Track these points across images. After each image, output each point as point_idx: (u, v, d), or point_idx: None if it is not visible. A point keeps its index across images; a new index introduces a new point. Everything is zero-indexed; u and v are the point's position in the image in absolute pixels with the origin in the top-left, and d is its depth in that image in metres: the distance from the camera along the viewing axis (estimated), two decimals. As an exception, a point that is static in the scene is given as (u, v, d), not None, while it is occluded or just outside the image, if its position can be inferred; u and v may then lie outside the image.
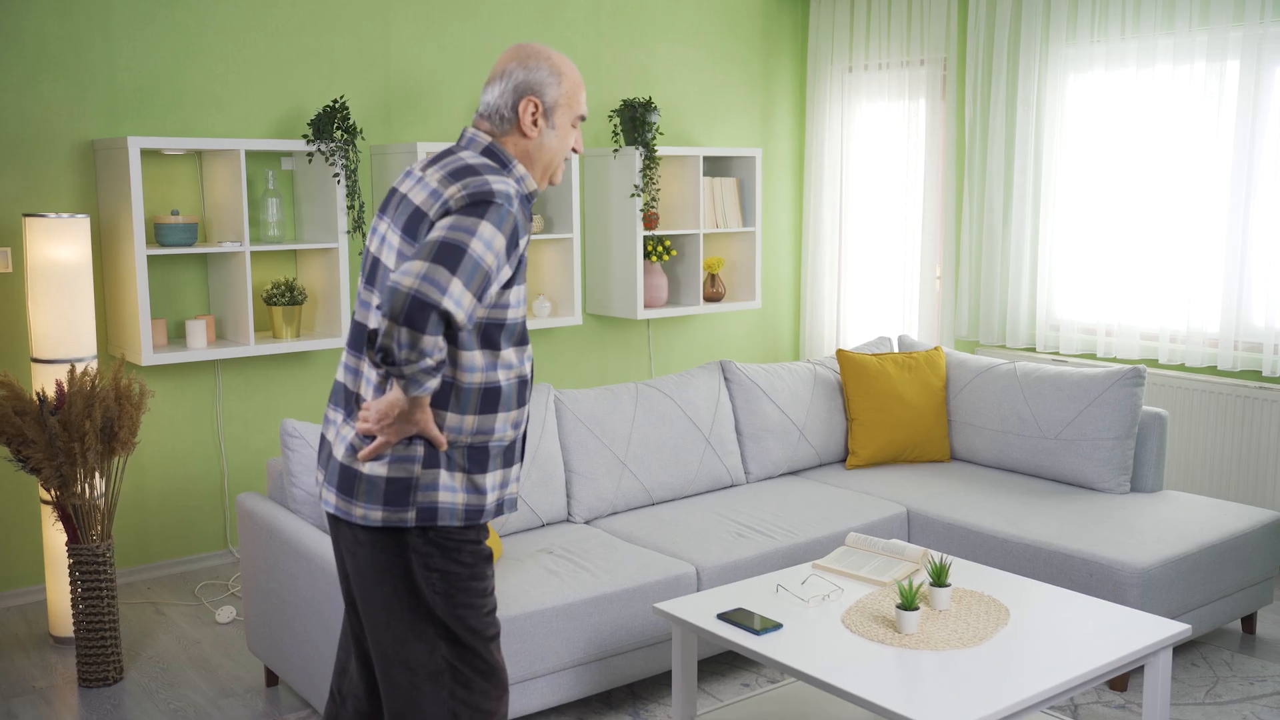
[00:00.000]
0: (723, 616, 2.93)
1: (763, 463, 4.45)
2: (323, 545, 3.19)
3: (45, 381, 3.88)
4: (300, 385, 4.97)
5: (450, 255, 2.01)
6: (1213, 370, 4.96)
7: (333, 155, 4.57)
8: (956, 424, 4.66)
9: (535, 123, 2.27)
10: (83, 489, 3.61)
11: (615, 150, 5.50)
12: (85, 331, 3.94)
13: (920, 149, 5.98)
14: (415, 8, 5.11)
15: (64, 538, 3.98)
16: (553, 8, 5.51)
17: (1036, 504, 4.08)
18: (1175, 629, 2.85)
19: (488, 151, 2.26)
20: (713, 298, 5.97)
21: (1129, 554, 3.59)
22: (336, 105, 4.59)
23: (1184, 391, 4.95)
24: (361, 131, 4.73)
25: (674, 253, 5.76)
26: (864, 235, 6.31)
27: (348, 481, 2.20)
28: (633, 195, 5.45)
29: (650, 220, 5.61)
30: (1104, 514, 3.95)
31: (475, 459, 2.21)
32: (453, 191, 2.13)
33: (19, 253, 4.27)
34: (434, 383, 2.07)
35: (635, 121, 5.44)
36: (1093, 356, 5.36)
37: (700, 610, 2.99)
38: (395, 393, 2.12)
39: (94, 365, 3.97)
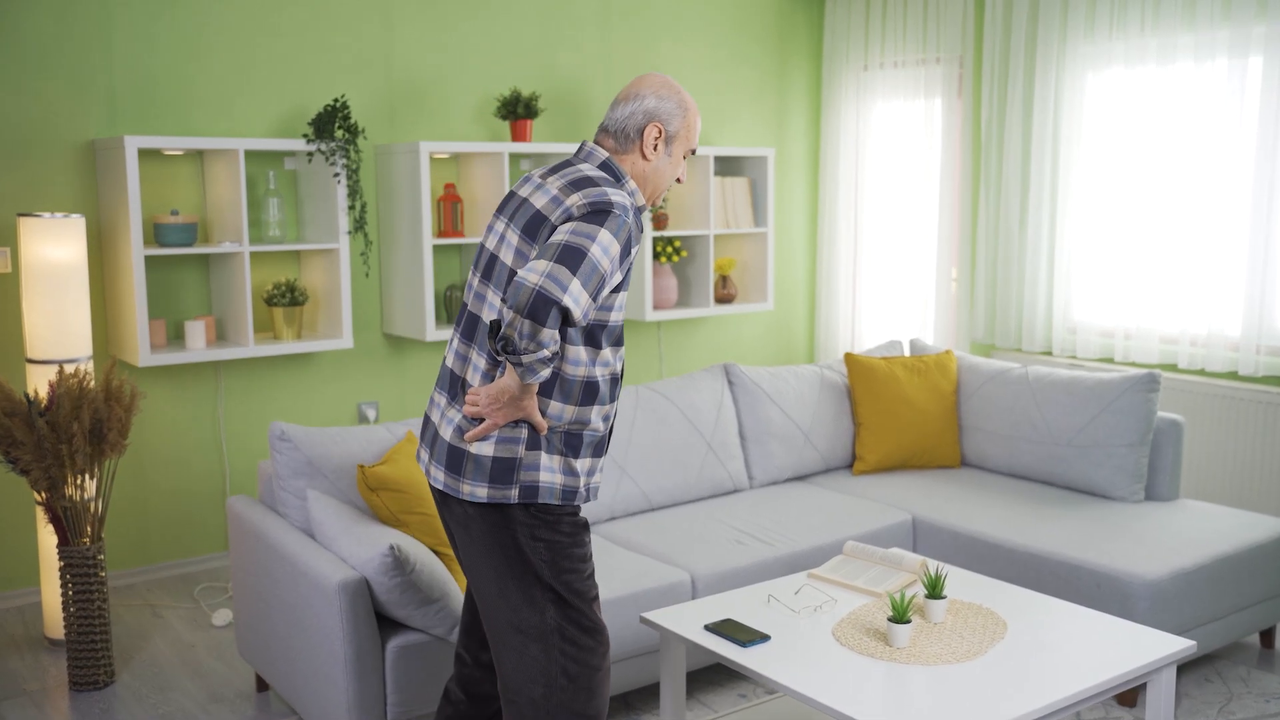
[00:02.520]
0: (710, 627, 2.85)
1: (766, 468, 4.37)
2: (308, 551, 3.13)
3: (40, 382, 3.86)
4: (303, 387, 4.93)
5: (572, 257, 2.20)
6: (1234, 375, 4.82)
7: (333, 155, 4.52)
8: (967, 429, 4.55)
9: (656, 147, 2.47)
10: (73, 491, 3.58)
11: (624, 150, 5.43)
12: (80, 332, 3.91)
13: (936, 148, 5.87)
14: (419, 6, 5.06)
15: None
16: (560, 6, 5.44)
17: (1046, 513, 3.97)
18: (1179, 645, 2.74)
19: (605, 166, 2.45)
20: (724, 299, 5.89)
21: (1138, 565, 3.47)
22: (337, 104, 4.54)
23: (1204, 397, 4.82)
24: (363, 131, 4.69)
25: (684, 253, 5.68)
26: (880, 236, 6.21)
27: (456, 461, 2.39)
28: (641, 195, 5.37)
29: (659, 220, 5.54)
30: (1115, 523, 3.84)
31: (571, 444, 2.41)
32: (574, 200, 2.33)
33: (17, 253, 4.25)
34: (546, 372, 2.27)
35: (644, 121, 5.36)
36: (1110, 360, 5.23)
37: (688, 620, 2.92)
38: (508, 379, 2.31)
39: (90, 366, 3.95)
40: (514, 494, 2.36)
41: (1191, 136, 4.83)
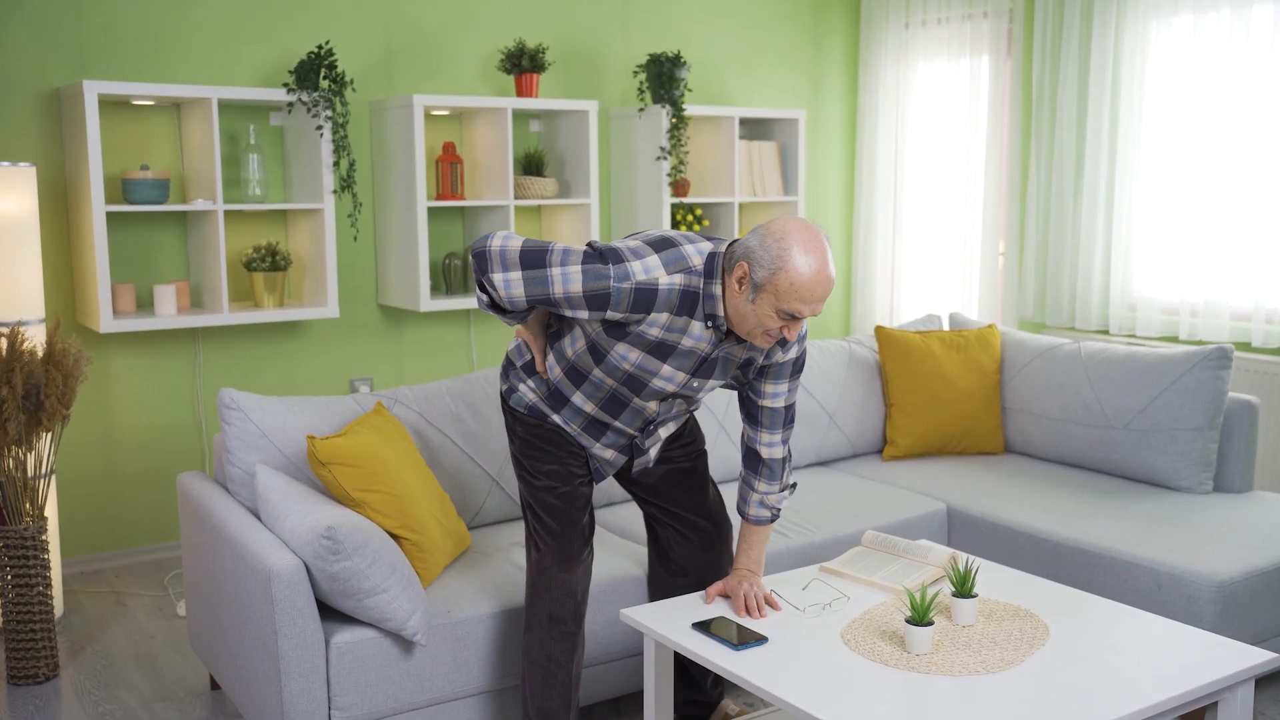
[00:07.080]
0: (698, 626, 2.45)
1: (786, 451, 3.94)
2: (249, 532, 2.76)
3: (-15, 346, 3.53)
4: (291, 360, 4.58)
5: (535, 258, 2.36)
6: (1315, 355, 4.32)
7: (315, 106, 4.16)
8: (1011, 411, 4.09)
9: (740, 286, 2.33)
10: (9, 464, 3.25)
11: (641, 109, 5.03)
12: (30, 292, 3.59)
13: (983, 111, 5.40)
14: (420, -49, 4.69)
15: (6, 518, 3.63)
16: (575, -45, 5.05)
17: (1099, 504, 3.51)
18: (1257, 657, 2.29)
19: (713, 255, 2.36)
20: (750, 274, 5.46)
21: (1206, 564, 3.01)
22: (321, 52, 4.17)
23: (1281, 379, 4.32)
24: (352, 82, 4.32)
25: (706, 222, 5.26)
26: (921, 206, 5.74)
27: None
28: (659, 158, 4.97)
29: (680, 186, 5.12)
30: (1179, 517, 3.37)
31: (554, 398, 2.64)
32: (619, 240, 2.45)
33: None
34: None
35: (662, 78, 4.95)
36: (1175, 339, 4.74)
37: (673, 618, 2.51)
38: None
39: (42, 330, 3.62)
40: (504, 389, 2.72)
41: (1268, 92, 4.32)
